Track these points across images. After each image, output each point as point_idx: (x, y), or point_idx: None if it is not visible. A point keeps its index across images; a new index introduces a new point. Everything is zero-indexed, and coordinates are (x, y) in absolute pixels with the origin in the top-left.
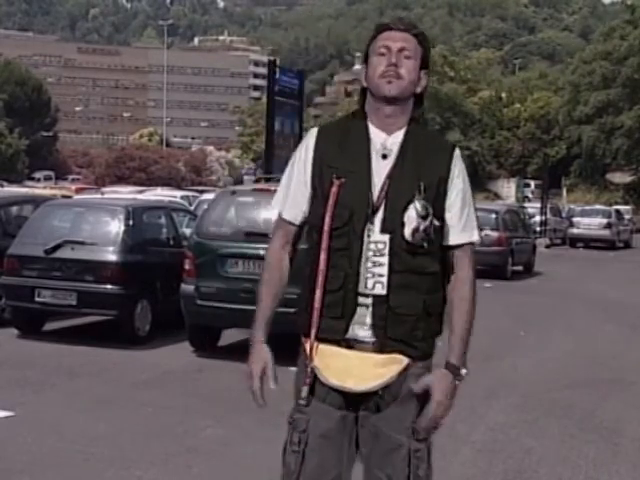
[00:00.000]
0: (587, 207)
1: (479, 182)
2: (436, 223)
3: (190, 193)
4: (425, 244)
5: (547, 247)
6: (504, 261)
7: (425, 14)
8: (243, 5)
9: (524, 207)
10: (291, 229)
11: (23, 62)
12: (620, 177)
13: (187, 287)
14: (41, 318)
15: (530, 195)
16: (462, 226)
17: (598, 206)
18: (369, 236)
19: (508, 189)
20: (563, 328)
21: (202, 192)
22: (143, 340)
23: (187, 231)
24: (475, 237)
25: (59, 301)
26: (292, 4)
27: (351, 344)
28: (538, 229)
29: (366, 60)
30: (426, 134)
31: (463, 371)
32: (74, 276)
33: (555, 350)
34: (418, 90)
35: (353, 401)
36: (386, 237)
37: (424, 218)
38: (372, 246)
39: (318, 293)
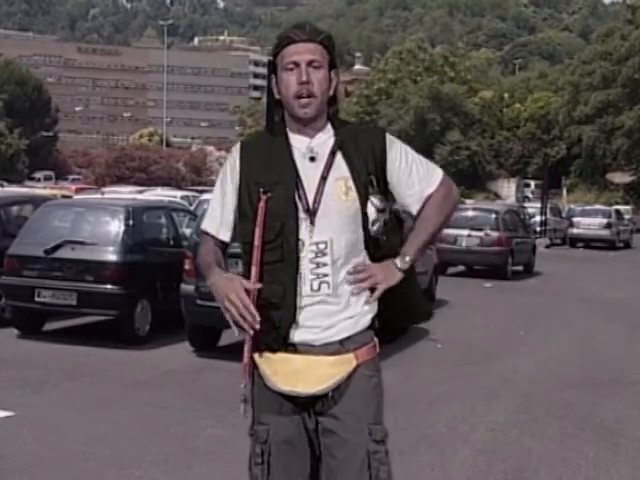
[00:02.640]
0: (587, 207)
1: (479, 182)
2: (392, 214)
3: (190, 193)
4: (384, 237)
5: (547, 247)
6: (504, 261)
7: (425, 14)
8: (243, 5)
9: (524, 207)
10: (222, 247)
11: (23, 62)
12: (620, 177)
13: (187, 287)
14: (41, 318)
15: (530, 195)
16: (419, 185)
17: (598, 206)
18: (310, 238)
19: (508, 189)
20: (563, 328)
21: (202, 192)
22: (143, 340)
23: (187, 231)
24: (437, 180)
25: (59, 301)
26: (292, 4)
27: (298, 349)
28: (538, 229)
29: (274, 70)
30: (354, 129)
31: (407, 258)
32: (74, 276)
33: (555, 350)
34: (331, 93)
35: (305, 405)
36: (327, 237)
37: (382, 212)
38: (313, 247)
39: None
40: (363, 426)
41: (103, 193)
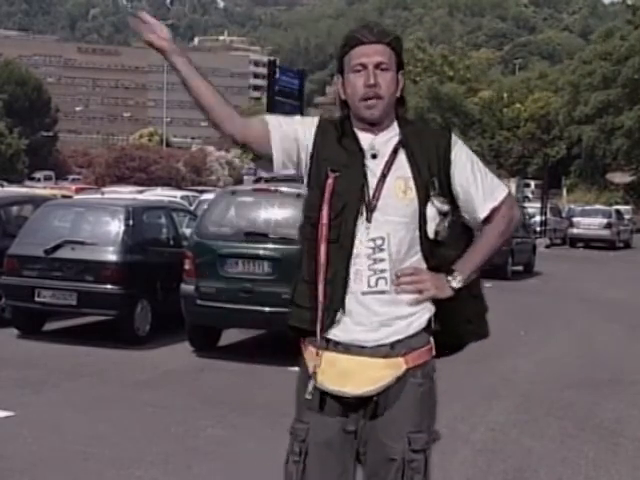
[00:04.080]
0: (587, 207)
1: None
2: (454, 218)
3: (190, 193)
4: (446, 241)
5: (547, 247)
6: (504, 261)
7: (425, 14)
8: (243, 5)
9: (524, 207)
10: (263, 127)
11: (23, 62)
12: (620, 177)
13: (187, 287)
14: (41, 318)
15: (530, 195)
16: (482, 197)
17: (598, 206)
18: (367, 234)
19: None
20: (563, 328)
21: (202, 192)
22: (143, 340)
23: (187, 231)
24: (500, 196)
25: (59, 301)
26: (292, 4)
27: (348, 349)
28: (538, 229)
29: (340, 70)
30: (420, 128)
31: (460, 277)
32: (74, 276)
33: (555, 350)
34: (398, 94)
35: (351, 407)
36: (384, 233)
37: (445, 215)
38: (370, 243)
39: (321, 287)
40: (403, 434)
41: (103, 193)
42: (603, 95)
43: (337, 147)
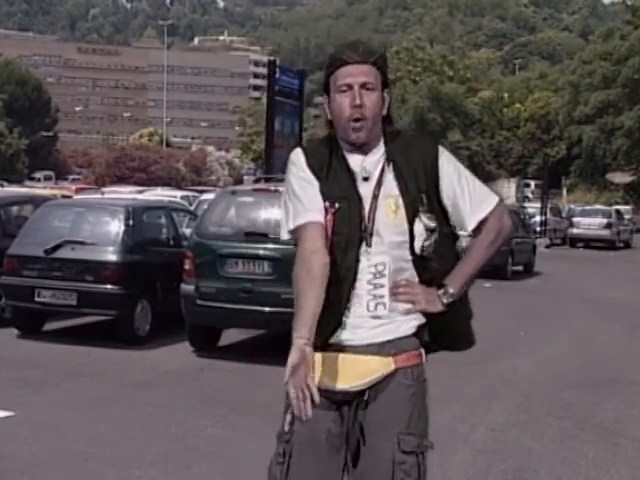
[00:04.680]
0: (587, 207)
1: None
2: (442, 234)
3: (190, 193)
4: (433, 256)
5: (547, 247)
6: (504, 261)
7: (425, 14)
8: (243, 5)
9: (524, 207)
10: (323, 228)
11: (23, 62)
12: (620, 177)
13: (187, 287)
14: (41, 318)
15: (530, 195)
16: (470, 209)
17: (598, 206)
18: (368, 259)
19: (508, 189)
20: (563, 328)
21: (202, 192)
22: (143, 340)
23: (187, 231)
24: (489, 207)
25: (59, 301)
26: (292, 4)
27: (338, 348)
28: (538, 229)
29: (326, 90)
30: (405, 141)
31: (450, 290)
32: (74, 276)
33: (555, 350)
34: (384, 112)
35: (339, 404)
36: (385, 257)
37: (433, 231)
38: (372, 269)
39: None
40: (392, 434)
41: (103, 193)
42: (603, 95)
43: (329, 175)
